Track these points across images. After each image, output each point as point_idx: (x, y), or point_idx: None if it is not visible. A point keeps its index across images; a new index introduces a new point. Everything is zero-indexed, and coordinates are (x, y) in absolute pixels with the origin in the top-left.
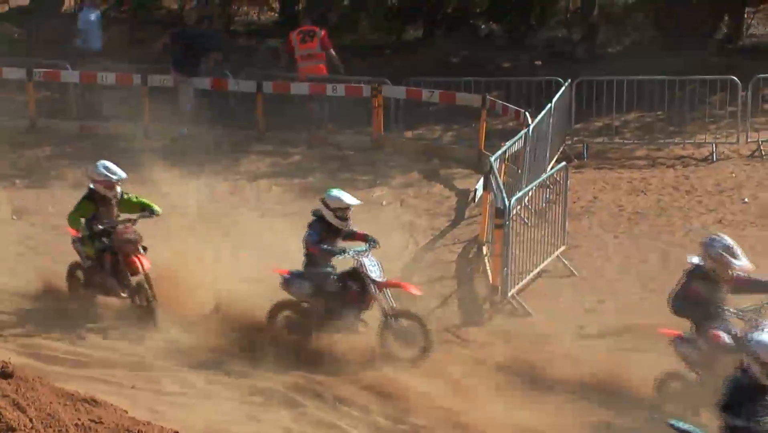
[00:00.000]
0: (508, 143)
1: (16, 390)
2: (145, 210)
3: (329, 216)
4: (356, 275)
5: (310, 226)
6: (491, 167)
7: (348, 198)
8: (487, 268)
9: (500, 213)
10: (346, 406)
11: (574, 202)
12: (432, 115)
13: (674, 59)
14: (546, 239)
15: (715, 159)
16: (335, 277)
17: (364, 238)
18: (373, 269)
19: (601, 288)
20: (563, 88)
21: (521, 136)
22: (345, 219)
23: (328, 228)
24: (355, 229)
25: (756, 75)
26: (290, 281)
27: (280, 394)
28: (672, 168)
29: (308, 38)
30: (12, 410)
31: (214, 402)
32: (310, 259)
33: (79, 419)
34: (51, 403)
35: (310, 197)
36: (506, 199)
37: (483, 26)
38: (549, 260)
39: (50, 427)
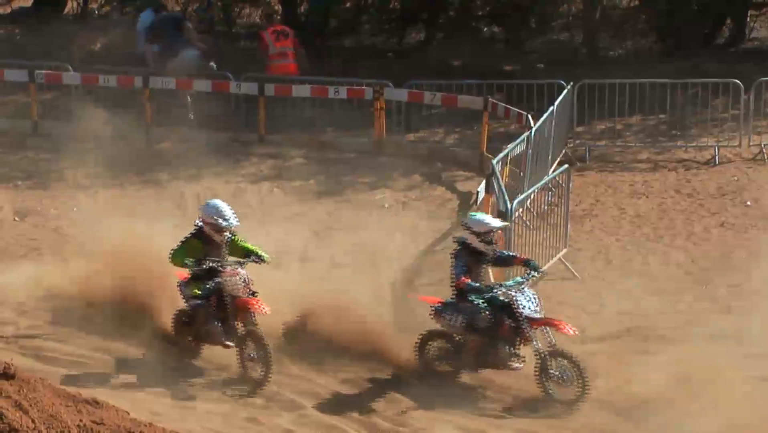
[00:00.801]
0: (510, 146)
1: (19, 391)
2: (254, 255)
3: (474, 241)
4: (511, 309)
5: (455, 256)
6: (493, 170)
7: (492, 220)
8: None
9: (502, 216)
10: None
11: (576, 205)
12: (434, 118)
13: (676, 62)
14: (548, 242)
15: (717, 162)
16: (488, 311)
17: (525, 263)
18: (528, 305)
19: (603, 291)
20: (565, 91)
21: (523, 139)
22: (490, 243)
23: (473, 255)
24: (511, 253)
25: (758, 78)
26: (442, 312)
27: (280, 396)
28: (674, 171)
29: (282, 37)
30: (14, 411)
31: (214, 404)
32: (460, 290)
33: (81, 421)
34: (53, 404)
35: (311, 200)
36: (508, 202)
37: (485, 29)
38: (551, 262)
39: (52, 428)
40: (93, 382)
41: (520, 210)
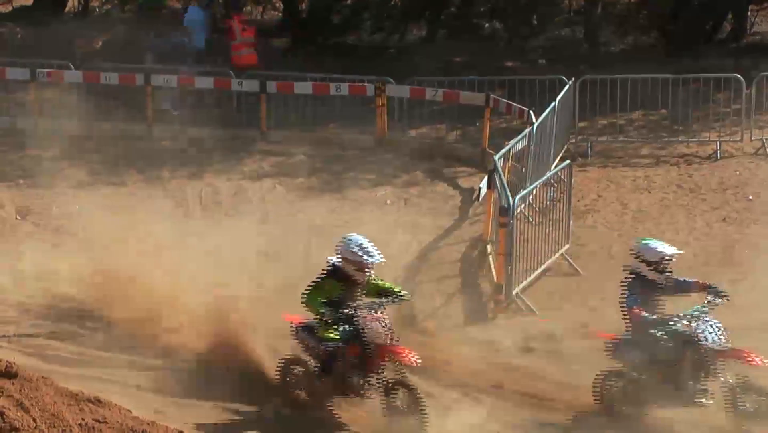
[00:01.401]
0: (512, 142)
1: (20, 390)
2: (393, 295)
3: (646, 271)
4: (693, 341)
5: (627, 286)
6: (495, 166)
7: (666, 248)
8: (492, 266)
9: (504, 212)
10: None
11: (578, 201)
12: (436, 114)
13: (678, 58)
14: (550, 238)
15: (719, 157)
16: (669, 343)
17: (706, 288)
18: (711, 336)
19: (605, 286)
20: (567, 86)
21: (525, 135)
22: (664, 271)
23: (647, 284)
24: (689, 279)
25: (760, 73)
26: (619, 347)
27: (285, 395)
28: (676, 166)
29: (247, 27)
30: (16, 410)
31: (219, 402)
32: (635, 323)
33: (83, 419)
34: (55, 403)
35: (313, 197)
36: (510, 198)
37: (486, 26)
38: (553, 258)
39: (54, 427)
40: (95, 380)
41: (522, 206)
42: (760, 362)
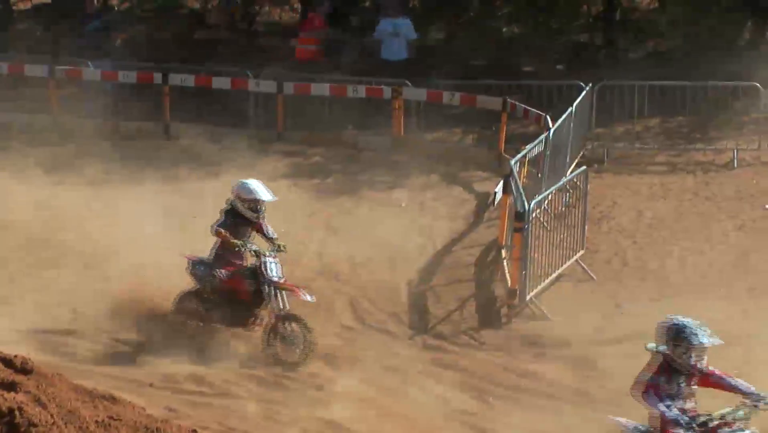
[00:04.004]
0: (528, 147)
1: (37, 386)
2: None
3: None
4: None
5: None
6: (511, 170)
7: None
8: (506, 271)
9: (519, 216)
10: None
11: (594, 207)
12: (452, 117)
13: (696, 65)
14: (565, 243)
15: (736, 165)
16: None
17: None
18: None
19: (619, 293)
20: (584, 92)
21: (542, 140)
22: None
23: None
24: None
25: None
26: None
27: (298, 393)
28: (692, 174)
29: (319, 22)
30: (33, 406)
31: (231, 401)
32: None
33: (98, 416)
34: (71, 400)
35: (329, 198)
36: (526, 203)
37: (504, 30)
38: (568, 264)
39: (71, 423)
40: (109, 378)
41: (538, 211)
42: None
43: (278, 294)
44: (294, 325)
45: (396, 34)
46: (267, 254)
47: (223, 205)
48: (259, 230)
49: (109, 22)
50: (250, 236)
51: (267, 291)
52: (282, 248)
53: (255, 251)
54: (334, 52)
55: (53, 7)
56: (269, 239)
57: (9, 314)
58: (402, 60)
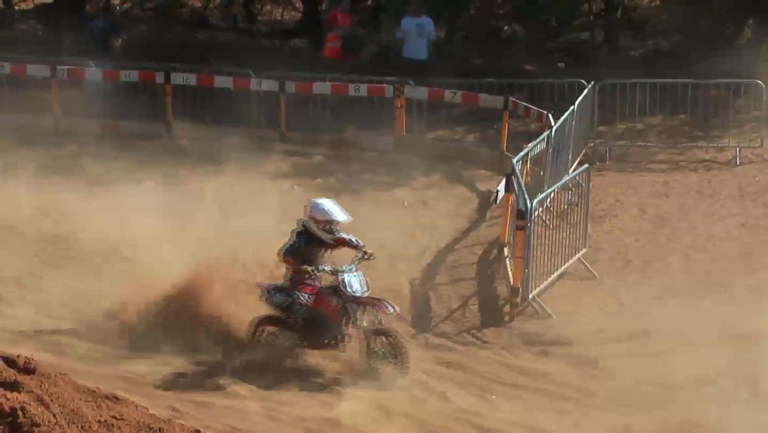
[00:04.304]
0: (530, 145)
1: (40, 386)
2: (363, 252)
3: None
4: None
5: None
6: (513, 169)
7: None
8: (508, 270)
9: (522, 215)
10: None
11: (596, 205)
12: (454, 116)
13: (698, 62)
14: (567, 242)
15: (738, 163)
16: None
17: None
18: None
19: (622, 291)
20: (586, 90)
21: (544, 138)
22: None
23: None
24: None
25: None
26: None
27: (301, 392)
28: (695, 172)
29: (342, 20)
30: (36, 406)
31: (234, 401)
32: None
33: (101, 416)
34: (74, 399)
35: (331, 197)
36: (528, 201)
37: (506, 28)
38: (570, 262)
39: (74, 423)
40: (112, 378)
41: (540, 209)
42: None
43: (363, 309)
44: (384, 339)
45: (420, 34)
46: (344, 269)
47: (294, 226)
48: (340, 244)
49: (111, 22)
50: (323, 257)
51: (351, 308)
52: (368, 256)
53: (331, 271)
54: (355, 49)
55: (55, 7)
56: (355, 248)
57: (13, 315)
58: (423, 60)
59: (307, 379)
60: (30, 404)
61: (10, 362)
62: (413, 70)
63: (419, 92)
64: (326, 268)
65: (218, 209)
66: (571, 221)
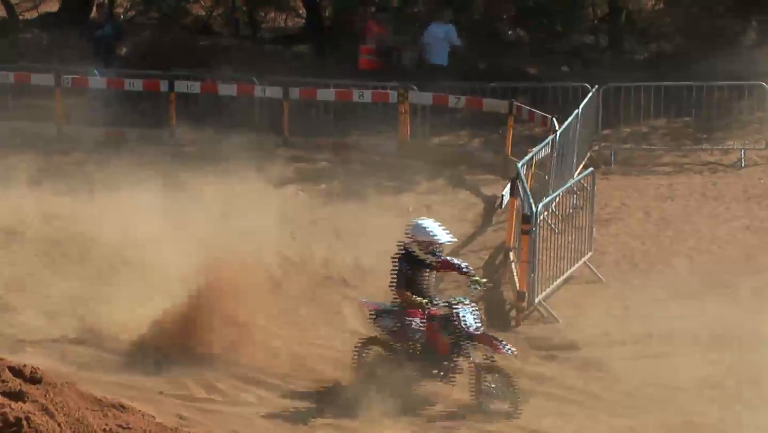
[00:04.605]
0: (535, 149)
1: (45, 395)
2: (474, 283)
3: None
4: None
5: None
6: (518, 173)
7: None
8: (514, 274)
9: (527, 219)
10: None
11: (601, 209)
12: (458, 121)
13: (702, 65)
14: (573, 245)
15: (743, 165)
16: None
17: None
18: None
19: (628, 294)
20: (590, 94)
21: (548, 142)
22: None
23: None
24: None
25: None
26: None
27: (306, 401)
28: (699, 174)
29: (377, 32)
30: (41, 415)
31: (241, 409)
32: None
33: (107, 425)
34: (79, 408)
35: (336, 203)
36: (533, 206)
37: (510, 32)
38: (576, 266)
39: (79, 432)
40: (118, 386)
41: (545, 213)
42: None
43: (476, 346)
44: (496, 376)
45: (447, 40)
46: (458, 300)
47: (396, 251)
48: (445, 267)
49: (117, 29)
50: (430, 280)
51: (464, 344)
52: (480, 284)
53: (445, 304)
54: (390, 59)
55: (59, 16)
56: (464, 274)
57: (19, 322)
58: (444, 66)
59: (414, 409)
60: (35, 414)
61: (17, 371)
62: (433, 75)
63: (423, 97)
64: (441, 302)
65: (222, 215)
66: (577, 225)
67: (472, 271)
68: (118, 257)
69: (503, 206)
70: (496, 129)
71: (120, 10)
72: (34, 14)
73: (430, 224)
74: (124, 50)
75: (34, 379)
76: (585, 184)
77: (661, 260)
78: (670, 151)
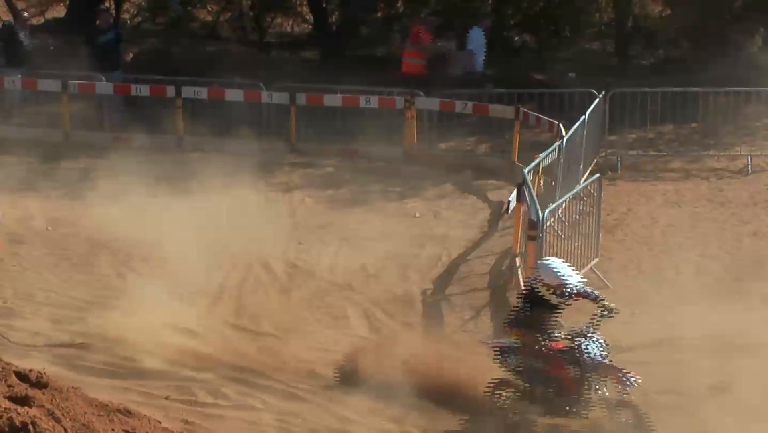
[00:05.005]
0: (541, 155)
1: (51, 400)
2: (605, 310)
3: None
4: None
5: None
6: (525, 179)
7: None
8: (521, 280)
9: (534, 225)
10: None
11: (608, 215)
12: (465, 127)
13: (708, 71)
14: (579, 251)
15: (750, 171)
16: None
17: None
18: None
19: (635, 300)
20: (597, 100)
21: (555, 148)
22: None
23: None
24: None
25: None
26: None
27: (313, 404)
28: (706, 180)
29: (425, 36)
30: (47, 420)
31: (247, 413)
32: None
33: (113, 430)
34: (85, 413)
35: (342, 209)
36: (540, 211)
37: (516, 38)
38: (582, 272)
39: None
40: (125, 391)
41: (552, 219)
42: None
43: (606, 379)
44: (628, 412)
45: (488, 45)
46: (580, 332)
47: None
48: (579, 297)
49: (122, 35)
50: (555, 318)
51: (591, 378)
52: (610, 312)
53: (565, 337)
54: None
55: (66, 21)
56: (595, 301)
57: (27, 328)
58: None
59: None
60: (41, 419)
61: (23, 376)
62: (478, 82)
63: (430, 103)
64: (560, 335)
65: (229, 221)
66: (583, 231)
67: (602, 297)
68: (125, 262)
69: (510, 212)
70: (503, 135)
71: (126, 15)
72: (40, 20)
73: (558, 265)
74: (130, 56)
75: (41, 384)
76: (592, 190)
77: (668, 265)
78: (677, 157)
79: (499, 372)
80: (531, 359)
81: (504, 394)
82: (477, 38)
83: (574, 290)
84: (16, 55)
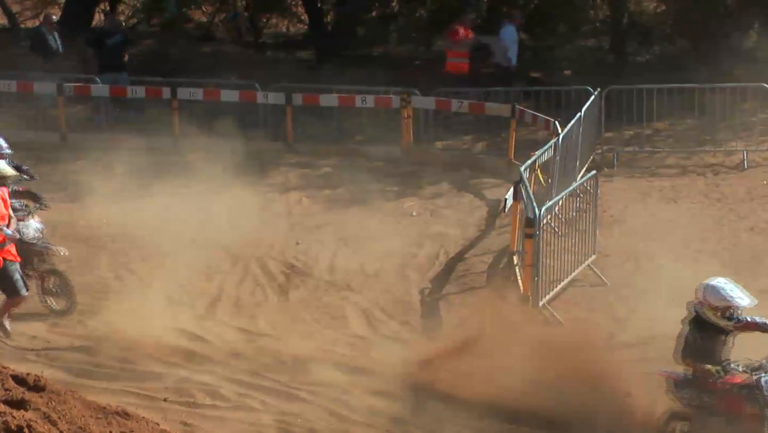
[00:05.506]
0: (538, 153)
1: (48, 403)
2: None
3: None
4: None
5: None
6: (521, 177)
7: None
8: (518, 278)
9: (531, 223)
10: None
11: (605, 212)
12: (461, 125)
13: (704, 67)
14: (576, 249)
15: (746, 167)
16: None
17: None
18: None
19: (632, 297)
20: (593, 97)
21: (551, 146)
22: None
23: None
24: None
25: None
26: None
27: (312, 405)
28: (703, 176)
29: (466, 35)
30: (43, 424)
31: (246, 414)
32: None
33: (110, 432)
34: (83, 416)
35: (340, 209)
36: (536, 209)
37: None
38: (580, 269)
39: None
40: (122, 393)
41: (549, 217)
42: None
43: None
44: None
45: (518, 41)
46: (762, 366)
47: (685, 313)
48: (747, 328)
49: (126, 36)
50: (728, 345)
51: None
52: None
53: (743, 370)
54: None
55: (61, 24)
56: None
57: (26, 332)
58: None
59: None
60: (37, 422)
61: (20, 379)
62: (508, 77)
63: (426, 102)
64: (738, 367)
65: (226, 221)
66: (580, 228)
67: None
68: (123, 264)
69: (507, 210)
70: (499, 133)
71: (122, 17)
72: (36, 23)
73: (726, 285)
74: (126, 57)
75: (37, 387)
76: (588, 187)
77: (665, 262)
78: (673, 153)
79: (671, 403)
80: (705, 393)
81: (678, 428)
82: (509, 34)
83: (749, 320)
84: (47, 58)
